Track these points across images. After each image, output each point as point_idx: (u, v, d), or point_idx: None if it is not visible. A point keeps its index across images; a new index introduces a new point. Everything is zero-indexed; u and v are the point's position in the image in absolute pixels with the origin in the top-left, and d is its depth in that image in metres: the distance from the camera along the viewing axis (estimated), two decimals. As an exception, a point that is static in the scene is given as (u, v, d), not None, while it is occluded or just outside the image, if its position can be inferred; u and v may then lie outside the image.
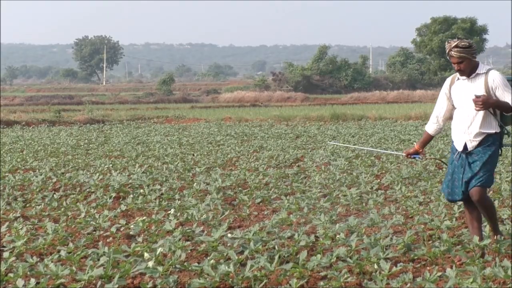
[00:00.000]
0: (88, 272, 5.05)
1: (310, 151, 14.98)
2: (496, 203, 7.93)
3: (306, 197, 8.73)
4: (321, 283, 4.97)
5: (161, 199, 8.80)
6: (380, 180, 10.30)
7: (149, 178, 10.47)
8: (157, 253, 5.62)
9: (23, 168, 12.39)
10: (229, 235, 6.37)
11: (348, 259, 5.37)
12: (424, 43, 56.33)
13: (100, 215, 7.57)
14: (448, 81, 5.90)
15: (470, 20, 56.08)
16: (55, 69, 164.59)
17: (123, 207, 8.19)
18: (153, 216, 7.48)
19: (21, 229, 6.68)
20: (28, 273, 5.21)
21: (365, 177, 10.41)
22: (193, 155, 14.52)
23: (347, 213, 7.91)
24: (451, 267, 5.21)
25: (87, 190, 9.73)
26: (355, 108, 36.03)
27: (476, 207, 5.72)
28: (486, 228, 6.13)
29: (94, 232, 6.93)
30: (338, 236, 6.24)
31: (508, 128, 5.86)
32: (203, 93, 68.88)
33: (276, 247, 5.92)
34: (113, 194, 9.13)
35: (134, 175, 10.77)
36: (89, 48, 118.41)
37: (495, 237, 5.80)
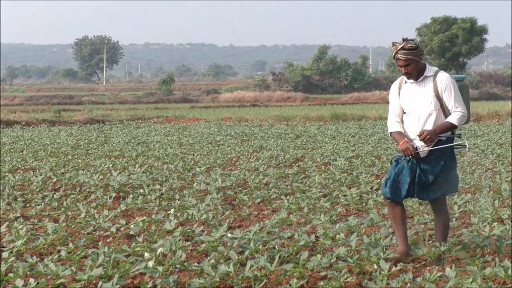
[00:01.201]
0: (88, 272, 5.05)
1: (310, 151, 14.97)
2: (496, 203, 7.93)
3: (306, 197, 8.73)
4: (321, 283, 4.97)
5: (161, 199, 8.80)
6: (380, 180, 10.29)
7: (149, 178, 10.47)
8: (157, 253, 5.62)
9: (23, 168, 12.39)
10: (229, 235, 6.37)
11: (348, 259, 5.37)
12: (424, 43, 56.23)
13: (100, 215, 7.57)
14: (396, 84, 5.71)
15: (470, 20, 55.99)
16: (55, 69, 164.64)
17: (123, 207, 8.19)
18: (153, 216, 7.48)
19: (21, 229, 6.68)
20: (28, 273, 5.21)
21: (365, 177, 10.41)
22: (193, 155, 14.52)
23: (347, 213, 7.91)
24: (451, 267, 5.21)
25: (87, 190, 9.73)
26: (355, 108, 36.03)
27: (403, 208, 5.62)
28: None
29: (94, 232, 6.93)
30: (338, 236, 6.24)
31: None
32: (203, 93, 68.89)
33: (276, 247, 5.92)
34: (113, 194, 9.13)
35: (134, 175, 10.77)
36: (89, 48, 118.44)
37: (440, 243, 5.59)
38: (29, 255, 5.66)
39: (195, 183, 9.92)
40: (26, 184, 10.28)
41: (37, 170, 11.90)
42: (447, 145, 5.56)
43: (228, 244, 6.04)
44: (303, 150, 15.23)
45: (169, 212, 7.78)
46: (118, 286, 4.81)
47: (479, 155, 13.17)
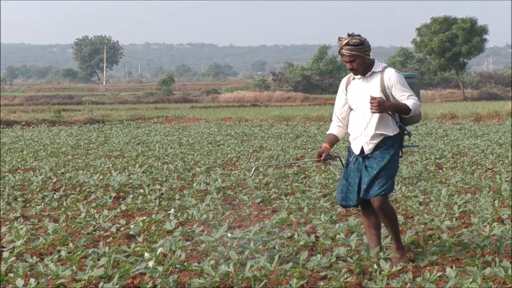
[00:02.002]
0: (88, 272, 5.05)
1: (310, 151, 14.98)
2: (496, 203, 7.93)
3: (306, 197, 8.73)
4: (321, 283, 4.97)
5: (161, 199, 8.80)
6: (380, 180, 10.29)
7: (149, 178, 10.47)
8: (157, 253, 5.62)
9: (23, 168, 12.39)
10: (229, 235, 6.36)
11: (348, 259, 5.37)
12: (424, 43, 56.18)
13: (100, 215, 7.57)
14: (344, 81, 5.55)
15: (470, 20, 55.93)
16: (55, 69, 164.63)
17: (123, 207, 8.19)
18: (153, 216, 7.48)
19: (21, 229, 6.67)
20: (28, 273, 5.21)
21: (365, 177, 10.40)
22: (193, 155, 14.52)
23: (347, 213, 7.91)
24: (451, 267, 5.21)
25: (87, 190, 9.72)
26: (355, 108, 35.95)
27: (374, 213, 5.43)
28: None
29: (94, 232, 6.93)
30: (338, 236, 6.24)
31: (409, 128, 5.61)
32: (203, 93, 68.93)
33: (276, 247, 5.92)
34: (113, 194, 9.13)
35: (134, 175, 10.77)
36: (89, 48, 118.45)
37: (397, 251, 5.46)
38: (29, 255, 5.66)
39: (195, 183, 9.92)
40: (26, 184, 10.28)
41: (37, 170, 11.90)
42: (414, 145, 5.53)
43: (228, 244, 6.04)
44: (303, 150, 15.23)
45: (169, 212, 7.78)
46: (118, 286, 4.81)
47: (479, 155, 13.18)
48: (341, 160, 6.10)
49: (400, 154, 5.47)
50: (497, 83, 73.64)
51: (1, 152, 15.25)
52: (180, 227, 6.94)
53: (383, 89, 5.28)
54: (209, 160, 13.32)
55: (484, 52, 61.04)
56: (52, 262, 5.44)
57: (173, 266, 5.40)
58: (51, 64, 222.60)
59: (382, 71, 5.32)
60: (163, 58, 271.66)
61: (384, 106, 5.17)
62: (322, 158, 5.45)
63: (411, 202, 8.22)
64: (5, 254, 5.69)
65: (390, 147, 5.33)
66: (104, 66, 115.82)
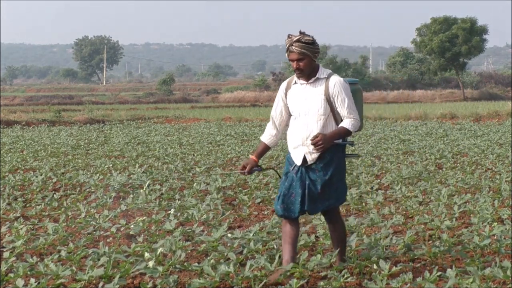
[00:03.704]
0: (88, 272, 5.05)
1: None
2: (496, 203, 7.93)
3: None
4: (321, 283, 4.97)
5: (161, 199, 8.80)
6: (380, 180, 10.30)
7: (149, 178, 10.47)
8: (157, 253, 5.62)
9: (23, 168, 12.39)
10: (229, 235, 6.37)
11: (348, 259, 5.37)
12: (424, 43, 56.17)
13: (100, 215, 7.57)
14: (284, 85, 5.23)
15: (470, 20, 55.92)
16: (55, 69, 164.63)
17: (123, 207, 8.19)
18: (153, 216, 7.48)
19: (21, 229, 6.67)
20: (28, 273, 5.21)
21: (365, 177, 10.41)
22: (193, 155, 14.52)
23: (347, 213, 7.91)
24: (451, 267, 5.21)
25: (87, 190, 9.73)
26: (355, 108, 35.92)
27: (297, 227, 5.18)
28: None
29: (94, 232, 6.93)
30: (338, 236, 6.23)
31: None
32: (203, 93, 68.93)
33: (276, 247, 5.92)
34: (113, 194, 9.13)
35: (134, 175, 10.77)
36: (89, 48, 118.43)
37: (338, 262, 5.27)
38: (29, 255, 5.66)
39: (195, 183, 9.92)
40: (26, 184, 10.28)
41: (37, 170, 11.90)
42: (356, 154, 5.44)
43: (228, 244, 6.05)
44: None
45: (169, 212, 7.78)
46: (118, 286, 4.81)
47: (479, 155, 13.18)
48: (276, 171, 5.80)
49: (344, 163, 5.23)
50: (497, 83, 73.65)
51: (1, 152, 15.26)
52: (180, 227, 6.94)
53: (328, 97, 5.02)
54: (209, 160, 13.32)
55: (484, 52, 61.04)
56: (52, 262, 5.44)
57: (173, 266, 5.40)
58: (51, 64, 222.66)
59: (327, 78, 5.06)
60: (163, 58, 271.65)
61: (327, 141, 4.94)
62: (246, 170, 5.19)
63: (411, 202, 8.21)
64: (5, 254, 5.70)
65: (334, 156, 5.06)
66: (104, 66, 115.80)
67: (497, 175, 10.31)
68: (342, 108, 5.03)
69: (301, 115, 5.09)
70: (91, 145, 17.29)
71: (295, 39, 4.96)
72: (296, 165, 5.12)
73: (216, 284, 4.95)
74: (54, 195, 9.11)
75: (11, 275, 5.14)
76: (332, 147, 5.04)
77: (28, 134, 21.58)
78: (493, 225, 6.57)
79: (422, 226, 6.85)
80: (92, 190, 9.64)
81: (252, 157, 5.22)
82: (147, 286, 4.92)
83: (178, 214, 7.78)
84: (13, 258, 5.64)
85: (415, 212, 7.75)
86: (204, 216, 7.48)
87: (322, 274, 5.21)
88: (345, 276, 4.96)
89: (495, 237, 6.10)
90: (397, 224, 7.00)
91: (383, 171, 11.35)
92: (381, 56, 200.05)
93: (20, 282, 4.80)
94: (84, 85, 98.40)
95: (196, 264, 5.42)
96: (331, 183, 5.05)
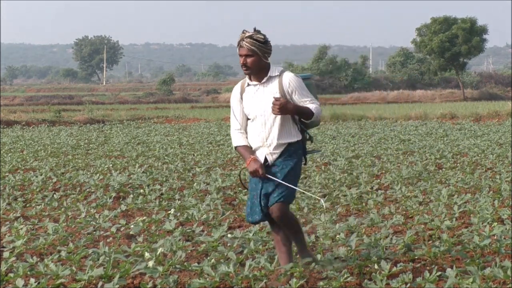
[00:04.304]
0: (88, 272, 5.06)
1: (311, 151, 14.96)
2: (496, 203, 7.93)
3: (306, 197, 8.73)
4: (321, 283, 4.97)
5: (161, 199, 8.80)
6: (380, 180, 10.30)
7: (149, 178, 10.47)
8: (157, 253, 5.63)
9: (23, 168, 12.39)
10: (229, 235, 6.37)
11: (348, 259, 5.37)
12: (424, 43, 56.12)
13: (100, 215, 7.57)
14: (237, 88, 5.14)
15: (470, 20, 55.86)
16: (55, 69, 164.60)
17: (123, 207, 8.19)
18: (153, 216, 7.48)
19: (21, 229, 6.68)
20: (28, 273, 5.21)
21: (365, 177, 10.41)
22: (193, 155, 14.52)
23: (347, 213, 7.91)
24: (451, 267, 5.21)
25: (87, 190, 9.73)
26: (355, 108, 36.03)
27: (280, 229, 5.09)
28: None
29: (94, 232, 6.93)
30: (338, 236, 6.23)
31: (311, 132, 5.27)
32: (203, 93, 68.90)
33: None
34: (113, 194, 9.13)
35: (134, 175, 10.77)
36: (89, 48, 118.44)
37: (302, 259, 5.16)
38: (29, 255, 5.66)
39: (195, 183, 9.92)
40: (26, 184, 10.28)
41: (37, 170, 11.90)
42: (316, 151, 5.31)
43: (228, 244, 6.05)
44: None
45: (169, 212, 7.79)
46: (118, 286, 4.81)
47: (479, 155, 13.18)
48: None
49: (304, 162, 5.17)
50: (497, 83, 73.64)
51: (1, 152, 15.26)
52: (180, 227, 6.94)
53: (283, 94, 4.96)
54: (209, 160, 13.32)
55: (484, 52, 61.01)
56: (52, 262, 5.45)
57: (173, 266, 5.41)
58: (51, 64, 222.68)
59: (279, 75, 5.00)
60: (163, 58, 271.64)
61: (287, 108, 4.86)
62: (261, 173, 4.96)
63: (411, 202, 8.21)
64: (5, 254, 5.70)
65: (293, 153, 5.01)
66: (104, 66, 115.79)
67: (497, 175, 10.31)
68: (302, 99, 4.98)
69: (258, 116, 5.01)
70: (91, 145, 17.29)
71: (247, 35, 4.91)
72: None
73: (216, 284, 4.96)
74: (54, 195, 9.11)
75: (11, 275, 5.14)
76: (292, 145, 5.01)
77: (28, 134, 21.58)
78: (493, 225, 6.57)
79: (422, 226, 6.85)
80: (92, 190, 9.64)
81: (253, 157, 5.03)
82: (147, 286, 4.92)
83: (178, 214, 7.78)
84: (13, 258, 5.64)
85: (415, 212, 7.75)
86: (204, 216, 7.48)
87: (322, 274, 5.21)
88: (345, 276, 4.96)
89: (495, 237, 6.10)
90: (397, 224, 7.00)
91: (383, 171, 11.35)
92: (381, 56, 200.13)
93: (20, 282, 4.80)
94: (84, 85, 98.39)
95: (196, 264, 5.43)
96: (287, 176, 4.96)
